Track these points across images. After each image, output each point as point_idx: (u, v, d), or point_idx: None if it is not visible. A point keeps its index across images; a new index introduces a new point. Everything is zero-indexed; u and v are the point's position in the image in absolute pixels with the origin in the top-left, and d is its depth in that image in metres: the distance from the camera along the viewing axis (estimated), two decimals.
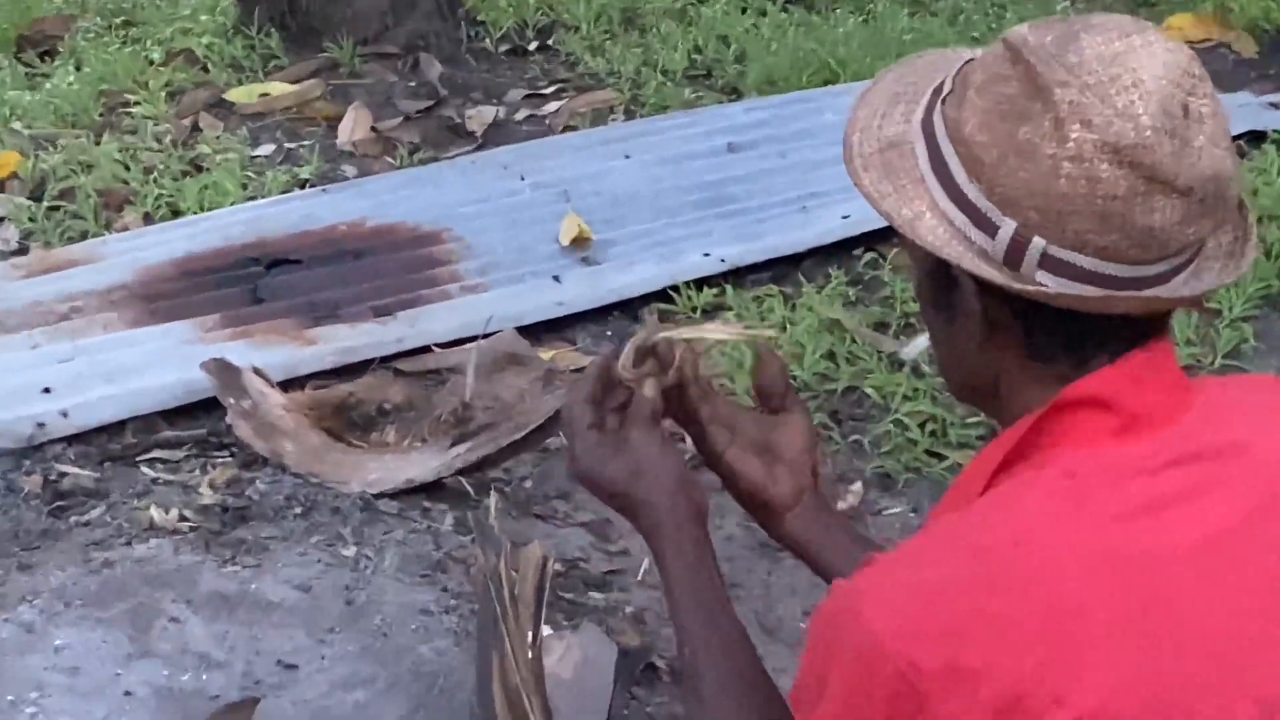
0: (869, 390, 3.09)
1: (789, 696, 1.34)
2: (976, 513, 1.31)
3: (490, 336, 3.09)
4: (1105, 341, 1.32)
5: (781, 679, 1.45)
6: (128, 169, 3.87)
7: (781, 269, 3.49)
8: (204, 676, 2.27)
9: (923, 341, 3.15)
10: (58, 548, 2.54)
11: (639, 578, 2.62)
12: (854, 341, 3.21)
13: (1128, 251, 1.29)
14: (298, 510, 2.64)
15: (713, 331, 1.63)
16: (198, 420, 2.93)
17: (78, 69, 4.47)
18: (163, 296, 3.33)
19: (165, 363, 3.06)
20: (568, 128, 4.15)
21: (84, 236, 3.62)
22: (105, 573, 2.46)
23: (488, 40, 4.67)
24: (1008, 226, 1.29)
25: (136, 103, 4.21)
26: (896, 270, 3.42)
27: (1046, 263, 1.29)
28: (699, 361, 1.62)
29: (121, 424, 2.90)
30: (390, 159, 4.02)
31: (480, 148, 4.05)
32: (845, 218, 3.56)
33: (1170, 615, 1.24)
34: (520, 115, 4.25)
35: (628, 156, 3.86)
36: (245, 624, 2.37)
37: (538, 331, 3.25)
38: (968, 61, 1.35)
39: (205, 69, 4.45)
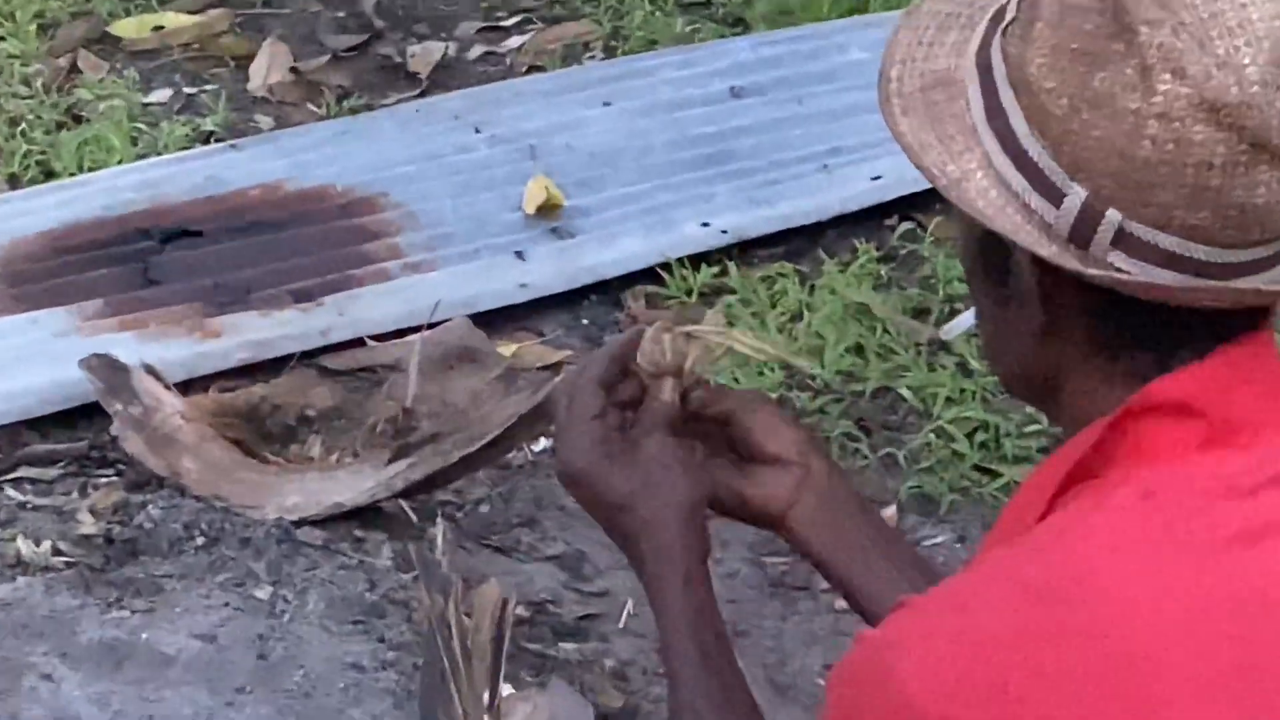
0: (905, 392, 3.09)
1: None
2: (1033, 544, 1.31)
3: (438, 326, 3.09)
4: (1191, 335, 1.33)
5: None
6: None
7: (797, 242, 3.49)
8: None
9: (968, 319, 3.15)
10: None
11: (621, 624, 2.62)
12: (886, 332, 3.22)
13: (1221, 232, 1.29)
14: (200, 542, 2.64)
15: (740, 340, 1.64)
16: (75, 431, 2.93)
17: None
18: (31, 278, 3.32)
19: (34, 360, 3.06)
20: (533, 68, 4.14)
21: None
22: None
23: None
24: (1076, 195, 1.30)
25: (0, 38, 4.20)
26: (940, 243, 3.42)
27: (1122, 241, 1.29)
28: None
29: None
30: (314, 107, 4.01)
31: (425, 93, 4.04)
32: (876, 179, 3.56)
33: (1272, 672, 1.24)
34: (474, 53, 4.24)
35: (608, 104, 3.86)
36: (134, 683, 2.37)
37: (497, 320, 3.25)
38: None
39: None
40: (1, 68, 4.10)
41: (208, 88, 4.09)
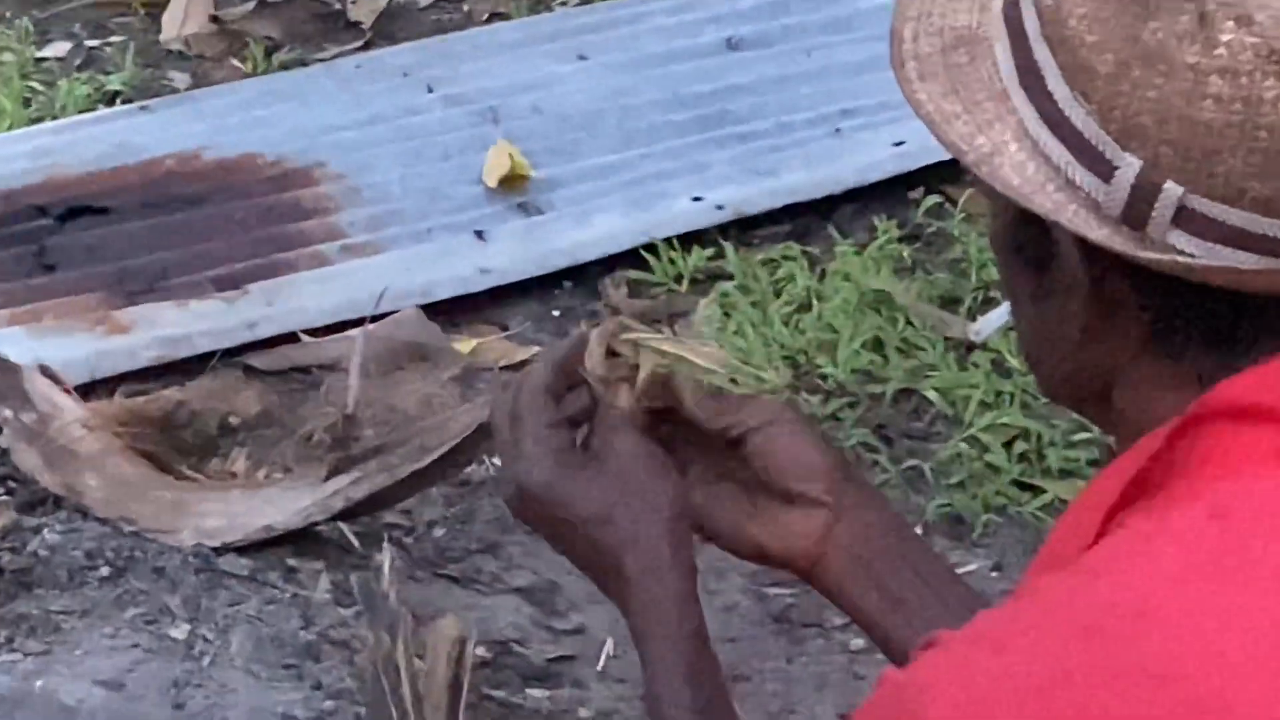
0: (931, 395, 3.10)
1: None
2: (1085, 571, 1.31)
3: (384, 319, 3.10)
4: (1264, 329, 1.33)
5: None
6: None
7: (805, 219, 3.50)
8: None
9: (1001, 315, 3.16)
10: None
11: (600, 667, 2.63)
12: (910, 324, 3.22)
13: None
14: (105, 572, 2.64)
15: (695, 352, 1.64)
16: None
17: None
18: None
19: None
20: (495, 15, 4.15)
21: None
22: None
23: None
24: (1129, 166, 1.30)
25: None
26: (972, 220, 3.43)
27: (1183, 219, 1.30)
28: (681, 383, 1.63)
29: None
30: (238, 63, 4.02)
31: (369, 46, 4.05)
32: (898, 145, 3.57)
33: None
34: None
35: (583, 58, 3.87)
36: None
37: (453, 311, 3.26)
38: None
39: None
40: None
41: (113, 40, 4.09)
